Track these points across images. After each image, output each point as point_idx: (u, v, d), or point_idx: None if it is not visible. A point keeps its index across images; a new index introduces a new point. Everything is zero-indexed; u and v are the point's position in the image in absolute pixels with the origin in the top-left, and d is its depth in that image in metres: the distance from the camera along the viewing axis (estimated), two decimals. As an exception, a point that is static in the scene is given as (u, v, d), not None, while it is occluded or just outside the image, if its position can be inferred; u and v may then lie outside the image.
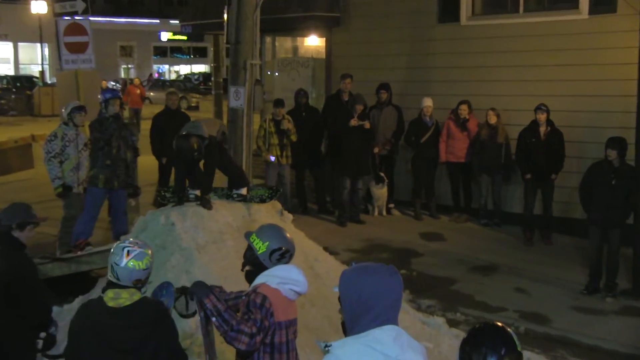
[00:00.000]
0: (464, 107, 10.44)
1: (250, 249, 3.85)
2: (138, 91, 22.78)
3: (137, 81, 24.32)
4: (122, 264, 3.52)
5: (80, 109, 8.42)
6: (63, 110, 8.60)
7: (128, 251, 3.54)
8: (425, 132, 10.70)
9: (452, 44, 11.01)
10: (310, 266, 6.66)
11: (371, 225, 10.55)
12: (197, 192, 6.71)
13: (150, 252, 3.62)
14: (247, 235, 3.90)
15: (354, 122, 10.16)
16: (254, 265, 3.83)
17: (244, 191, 7.08)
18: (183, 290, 3.92)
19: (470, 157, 10.43)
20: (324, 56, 12.60)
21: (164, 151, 10.17)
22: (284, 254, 3.79)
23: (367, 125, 10.23)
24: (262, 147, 10.48)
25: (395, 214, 11.18)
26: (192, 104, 33.87)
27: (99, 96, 8.79)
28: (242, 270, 3.93)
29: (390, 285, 2.74)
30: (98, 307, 3.54)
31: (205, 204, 6.64)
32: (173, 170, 10.12)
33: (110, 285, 3.56)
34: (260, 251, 3.78)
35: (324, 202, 11.33)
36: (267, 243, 3.77)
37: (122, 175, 8.31)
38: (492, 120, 10.09)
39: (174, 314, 3.83)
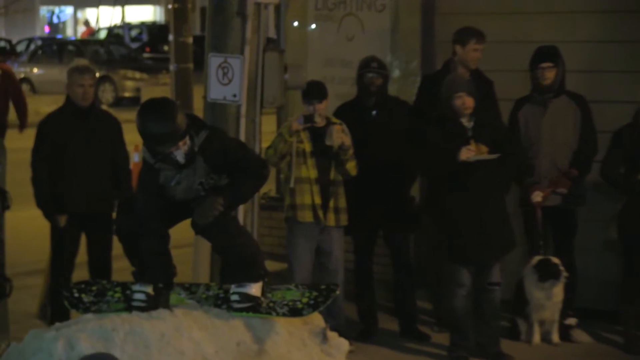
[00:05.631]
0: None
1: None
2: None
3: None
4: None
5: None
6: None
7: None
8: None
9: None
10: None
11: (526, 364, 10.52)
12: (149, 289, 7.03)
13: None
14: None
15: (466, 153, 10.15)
16: None
17: (254, 290, 7.29)
18: None
19: None
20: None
21: (65, 199, 10.32)
22: None
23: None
24: (286, 175, 10.69)
25: (580, 339, 11.36)
26: (126, 94, 34.23)
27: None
28: None
29: None
30: None
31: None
32: (88, 242, 10.32)
33: None
34: None
35: (414, 312, 11.37)
36: None
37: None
38: None
39: None
